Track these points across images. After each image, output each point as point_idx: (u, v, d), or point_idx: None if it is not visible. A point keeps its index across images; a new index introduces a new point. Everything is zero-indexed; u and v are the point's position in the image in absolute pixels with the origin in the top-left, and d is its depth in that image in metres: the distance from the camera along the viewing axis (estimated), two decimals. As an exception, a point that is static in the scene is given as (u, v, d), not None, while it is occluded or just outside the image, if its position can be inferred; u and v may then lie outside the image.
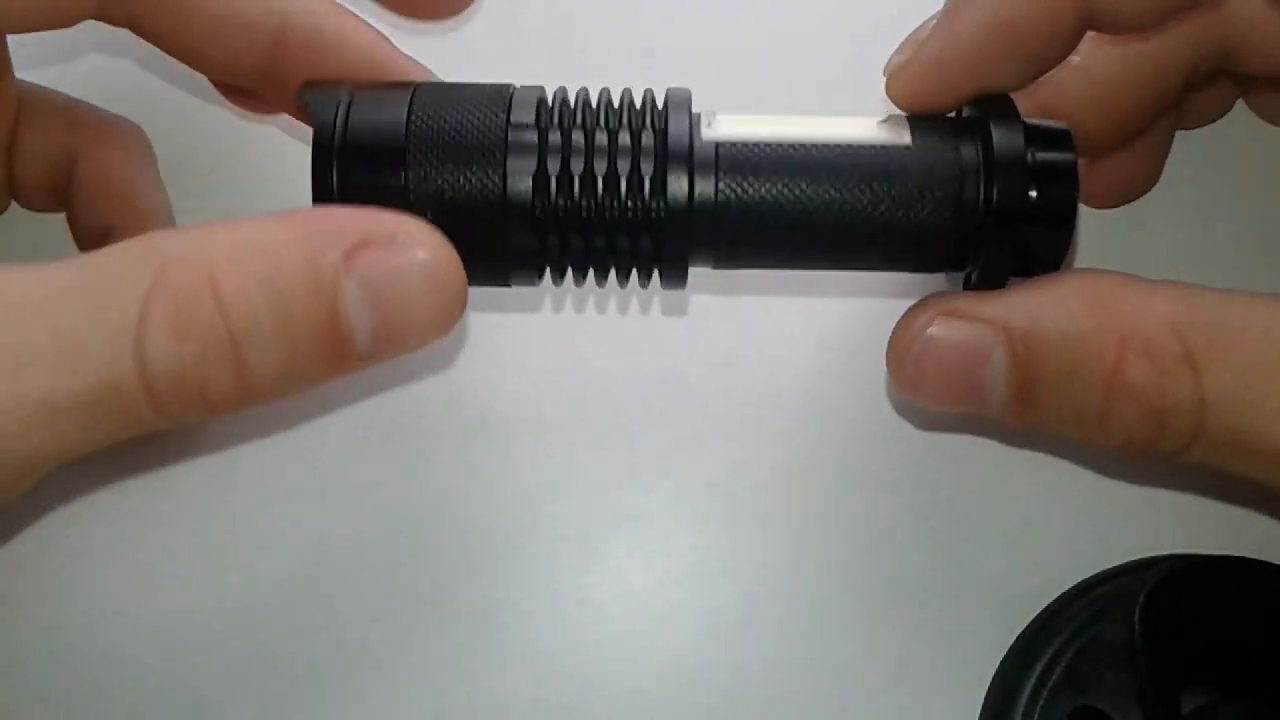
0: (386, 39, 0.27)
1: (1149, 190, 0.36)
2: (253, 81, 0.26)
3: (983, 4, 0.26)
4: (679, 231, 0.25)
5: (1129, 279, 0.26)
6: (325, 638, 0.32)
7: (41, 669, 0.31)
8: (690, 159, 0.26)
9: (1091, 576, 0.32)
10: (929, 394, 0.27)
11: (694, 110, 0.27)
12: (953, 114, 0.28)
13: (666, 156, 0.25)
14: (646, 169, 0.25)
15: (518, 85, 0.27)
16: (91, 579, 0.32)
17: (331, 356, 0.23)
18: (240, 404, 0.23)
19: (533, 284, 0.28)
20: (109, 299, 0.22)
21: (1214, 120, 0.37)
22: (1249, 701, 0.29)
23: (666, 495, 0.34)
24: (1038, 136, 0.26)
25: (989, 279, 0.26)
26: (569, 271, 0.27)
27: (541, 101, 0.26)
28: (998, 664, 0.31)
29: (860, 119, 0.27)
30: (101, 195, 0.31)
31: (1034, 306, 0.25)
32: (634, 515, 0.34)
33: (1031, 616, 0.31)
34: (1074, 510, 0.33)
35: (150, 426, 0.23)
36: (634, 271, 0.27)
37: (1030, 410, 0.26)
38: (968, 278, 0.28)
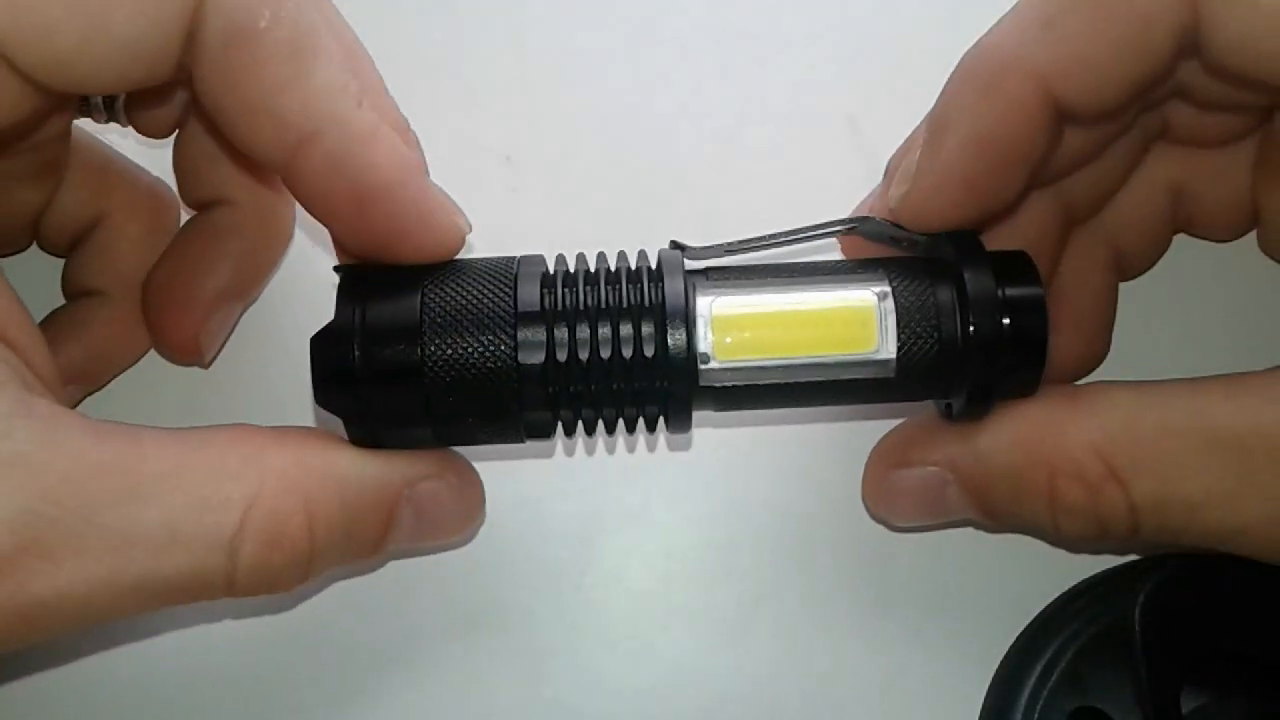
0: (417, 165, 0.28)
1: (1097, 367, 0.34)
2: (271, 168, 0.27)
3: (958, 127, 0.27)
4: (683, 399, 0.27)
5: (1052, 405, 0.28)
6: (327, 638, 0.32)
7: None
8: (691, 352, 0.27)
9: (1091, 576, 0.32)
10: (902, 519, 0.32)
11: (687, 283, 0.27)
12: (926, 256, 0.29)
13: (668, 358, 0.27)
14: (650, 351, 0.27)
15: (519, 256, 0.28)
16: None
17: (374, 554, 0.28)
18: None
19: (546, 439, 0.29)
20: (214, 500, 0.25)
21: (1153, 264, 0.35)
22: (1249, 701, 0.29)
23: (666, 495, 0.34)
24: (1006, 273, 0.27)
25: (975, 406, 0.28)
26: (579, 428, 0.29)
27: (545, 274, 0.28)
28: (997, 664, 0.31)
29: (843, 284, 0.28)
30: (104, 263, 0.34)
31: (977, 444, 0.28)
32: (634, 515, 0.34)
33: (1031, 616, 0.32)
34: (1074, 510, 0.33)
35: (214, 599, 0.26)
36: (639, 423, 0.28)
37: (994, 521, 0.30)
38: (948, 406, 0.29)
